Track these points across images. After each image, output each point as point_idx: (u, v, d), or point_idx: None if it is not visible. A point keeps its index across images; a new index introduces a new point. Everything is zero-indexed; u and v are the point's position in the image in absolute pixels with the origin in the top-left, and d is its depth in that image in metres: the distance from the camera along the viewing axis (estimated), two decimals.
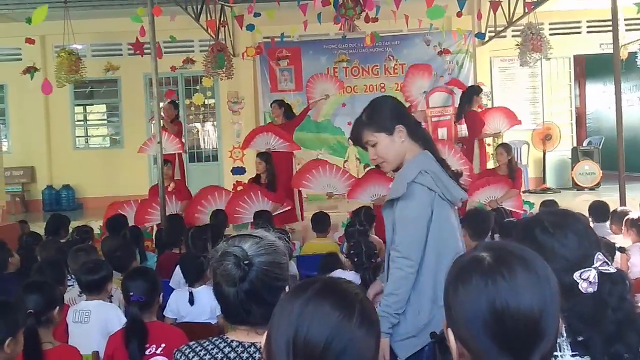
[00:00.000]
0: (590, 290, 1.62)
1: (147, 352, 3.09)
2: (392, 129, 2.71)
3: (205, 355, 1.74)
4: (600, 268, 1.64)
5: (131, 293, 3.20)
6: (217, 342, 1.76)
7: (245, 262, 1.69)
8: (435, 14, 7.44)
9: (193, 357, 1.75)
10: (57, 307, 3.10)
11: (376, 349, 1.26)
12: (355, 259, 4.51)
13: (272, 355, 1.23)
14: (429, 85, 10.76)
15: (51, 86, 8.34)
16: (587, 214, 5.60)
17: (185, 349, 1.78)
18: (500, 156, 8.11)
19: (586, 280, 1.62)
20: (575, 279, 1.62)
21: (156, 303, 3.38)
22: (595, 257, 1.66)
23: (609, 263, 1.67)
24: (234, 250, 1.70)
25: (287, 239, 1.91)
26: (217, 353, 1.73)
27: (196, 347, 1.77)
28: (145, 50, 8.59)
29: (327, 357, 1.17)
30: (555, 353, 1.54)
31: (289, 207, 8.14)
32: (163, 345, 3.10)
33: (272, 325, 1.25)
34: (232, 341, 1.76)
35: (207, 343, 1.78)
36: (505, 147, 8.16)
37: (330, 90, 9.17)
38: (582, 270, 1.63)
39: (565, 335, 1.61)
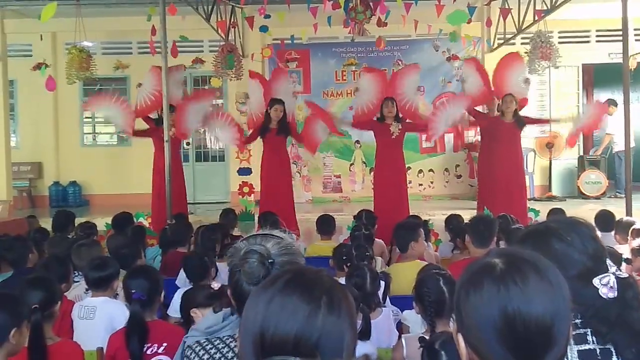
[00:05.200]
0: (611, 295, 1.62)
1: (148, 352, 3.07)
2: None
3: (215, 353, 1.75)
4: (617, 273, 1.66)
5: (133, 291, 3.20)
6: (229, 341, 1.77)
7: (270, 260, 1.70)
8: (457, 19, 7.38)
9: (203, 354, 1.76)
10: (59, 303, 3.13)
11: (352, 332, 1.26)
12: (348, 265, 4.21)
13: (240, 350, 1.25)
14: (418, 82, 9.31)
15: (55, 83, 8.40)
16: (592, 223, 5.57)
17: (196, 346, 1.80)
18: (510, 104, 8.24)
19: (606, 285, 1.63)
20: (595, 284, 1.62)
21: (157, 302, 3.36)
22: (607, 262, 1.67)
23: (620, 268, 1.69)
24: (258, 248, 1.72)
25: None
26: (227, 352, 1.74)
27: (206, 344, 1.78)
28: (157, 50, 8.64)
29: (301, 350, 1.17)
30: None
31: None
32: (165, 344, 3.09)
33: (241, 321, 1.26)
34: None
35: (217, 341, 1.79)
36: (514, 97, 8.28)
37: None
38: (602, 276, 1.64)
39: (573, 342, 1.62)
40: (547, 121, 8.89)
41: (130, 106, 8.78)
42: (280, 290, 1.24)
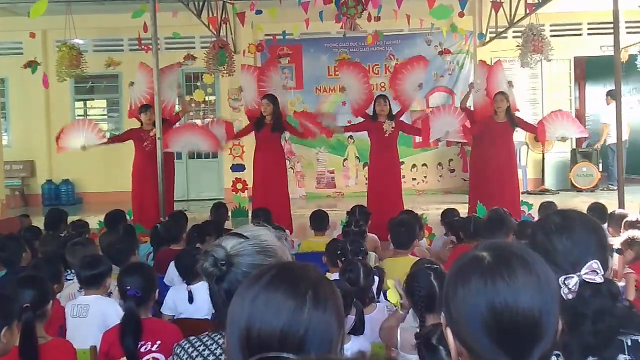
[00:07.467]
0: (570, 297, 1.61)
1: (142, 349, 3.07)
2: None
3: (204, 350, 1.76)
4: (584, 277, 1.62)
5: (127, 287, 3.19)
6: (217, 338, 1.79)
7: (222, 262, 1.63)
8: (441, 14, 7.37)
9: (192, 352, 1.77)
10: (51, 302, 3.13)
11: (339, 326, 1.26)
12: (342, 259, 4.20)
13: (227, 346, 1.24)
14: (425, 78, 9.10)
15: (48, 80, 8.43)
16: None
17: (185, 344, 1.81)
18: (501, 103, 8.22)
19: (567, 286, 1.61)
20: (560, 283, 1.60)
21: (151, 299, 3.36)
22: (588, 265, 1.64)
23: (599, 272, 1.64)
24: (213, 249, 1.67)
25: (284, 238, 1.91)
26: (216, 349, 1.75)
27: (195, 342, 1.80)
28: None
29: (287, 346, 1.18)
30: None
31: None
32: (159, 342, 3.09)
33: (227, 319, 1.26)
34: None
35: (206, 338, 1.80)
36: (505, 95, 8.28)
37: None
38: (566, 276, 1.62)
39: None
40: (537, 130, 8.64)
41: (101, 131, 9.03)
42: (265, 286, 1.24)
